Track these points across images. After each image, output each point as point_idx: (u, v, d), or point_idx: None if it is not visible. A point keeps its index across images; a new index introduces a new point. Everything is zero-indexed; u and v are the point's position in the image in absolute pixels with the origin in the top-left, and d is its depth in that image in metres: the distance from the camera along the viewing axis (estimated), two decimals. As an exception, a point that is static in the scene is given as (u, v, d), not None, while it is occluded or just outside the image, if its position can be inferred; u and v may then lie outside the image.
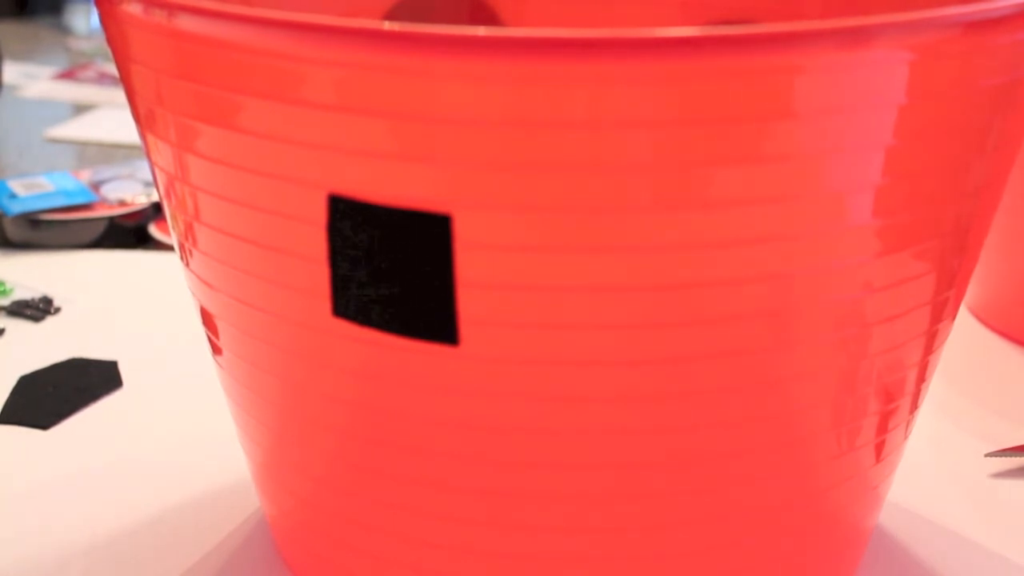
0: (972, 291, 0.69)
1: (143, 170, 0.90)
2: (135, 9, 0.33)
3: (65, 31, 1.59)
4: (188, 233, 0.37)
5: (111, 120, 1.14)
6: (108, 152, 1.04)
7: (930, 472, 0.52)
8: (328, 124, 0.30)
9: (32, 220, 0.80)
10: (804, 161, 0.30)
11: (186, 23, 0.32)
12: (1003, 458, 0.53)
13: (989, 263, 0.66)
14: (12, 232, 0.80)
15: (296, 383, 0.37)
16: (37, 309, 0.69)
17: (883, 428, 0.38)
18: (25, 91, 1.26)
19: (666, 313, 0.32)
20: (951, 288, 0.37)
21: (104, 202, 0.83)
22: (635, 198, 0.30)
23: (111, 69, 1.32)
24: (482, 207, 0.30)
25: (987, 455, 0.53)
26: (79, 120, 1.15)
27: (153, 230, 0.82)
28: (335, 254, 0.32)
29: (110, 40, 0.37)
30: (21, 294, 0.71)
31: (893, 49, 0.29)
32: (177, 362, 0.63)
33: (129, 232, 0.82)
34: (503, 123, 0.29)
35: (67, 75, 1.33)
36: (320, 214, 0.32)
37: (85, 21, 1.59)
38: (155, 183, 0.39)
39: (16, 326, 0.68)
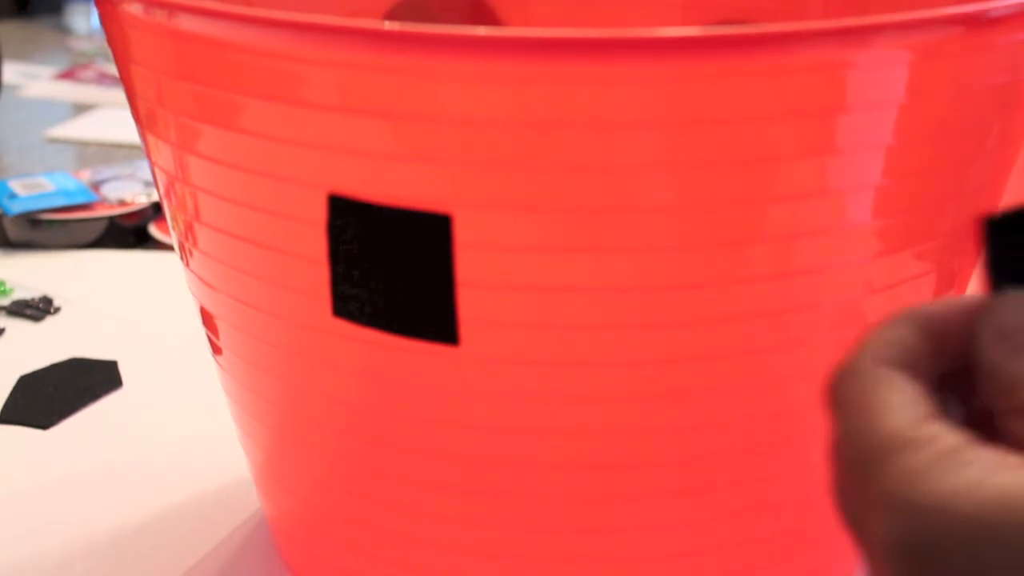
0: (972, 291, 0.69)
1: (143, 170, 0.90)
2: (136, 9, 0.33)
3: (65, 31, 1.59)
4: (188, 233, 0.37)
5: (111, 120, 1.14)
6: (108, 152, 1.04)
7: (930, 472, 0.52)
8: (328, 124, 0.30)
9: (32, 220, 0.80)
10: (804, 161, 0.30)
11: (186, 23, 0.32)
12: (1003, 458, 0.53)
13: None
14: (12, 232, 0.80)
15: (296, 383, 0.37)
16: (37, 309, 0.69)
17: (883, 428, 0.38)
18: (25, 91, 1.26)
19: (666, 313, 0.32)
20: (951, 288, 0.37)
21: (104, 202, 0.83)
22: (635, 198, 0.30)
23: (111, 69, 1.32)
24: (482, 207, 0.30)
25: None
26: (79, 120, 1.15)
27: (153, 230, 0.82)
28: (335, 254, 0.32)
29: (111, 41, 0.37)
30: (21, 294, 0.71)
31: (893, 49, 0.29)
32: (177, 362, 0.63)
33: (129, 232, 0.82)
34: (503, 123, 0.29)
35: (67, 75, 1.33)
36: (320, 214, 0.32)
37: (85, 21, 1.59)
38: (155, 183, 0.39)
39: (16, 326, 0.68)
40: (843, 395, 0.26)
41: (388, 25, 0.28)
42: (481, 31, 0.27)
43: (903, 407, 0.25)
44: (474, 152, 0.29)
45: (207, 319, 0.40)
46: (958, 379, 0.27)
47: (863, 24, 0.28)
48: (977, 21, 0.30)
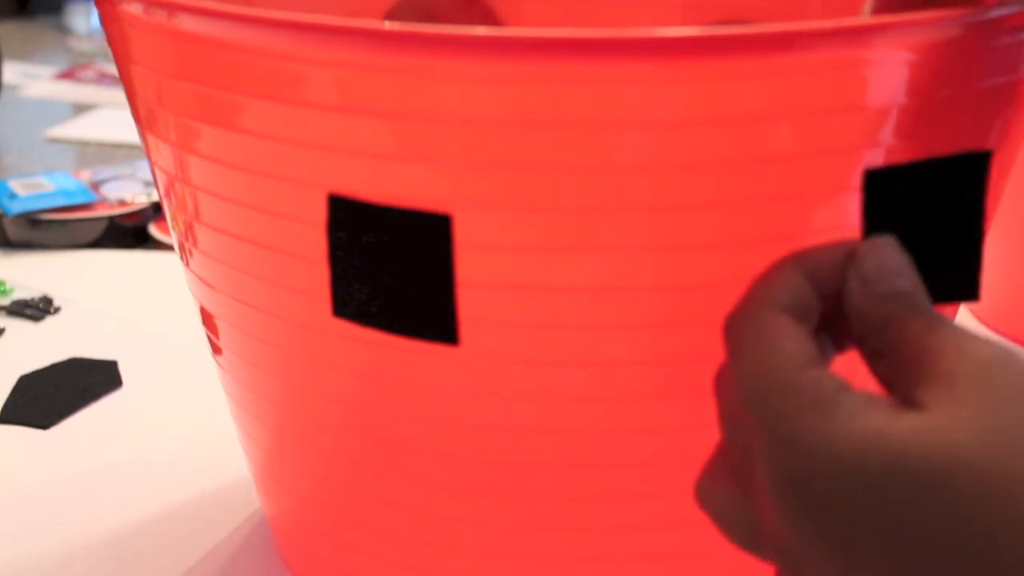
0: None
1: (143, 170, 0.90)
2: (135, 9, 0.33)
3: (65, 31, 1.59)
4: (188, 233, 0.37)
5: (111, 120, 1.14)
6: (108, 152, 1.04)
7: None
8: (328, 124, 0.30)
9: (32, 220, 0.80)
10: (804, 161, 0.30)
11: (186, 23, 0.32)
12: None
13: (989, 263, 0.65)
14: (12, 232, 0.80)
15: (296, 383, 0.37)
16: (37, 309, 0.69)
17: (883, 428, 0.38)
18: (25, 91, 1.26)
19: (668, 313, 0.32)
20: (951, 288, 0.37)
21: (104, 202, 0.83)
22: (635, 198, 0.30)
23: (111, 69, 1.32)
24: (482, 207, 0.30)
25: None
26: (79, 120, 1.15)
27: (153, 230, 0.82)
28: (335, 254, 0.32)
29: (110, 41, 0.37)
30: (21, 294, 0.71)
31: (893, 49, 0.29)
32: (177, 362, 0.63)
33: (129, 232, 0.82)
34: (503, 123, 0.29)
35: (67, 75, 1.33)
36: (320, 214, 0.32)
37: (85, 21, 1.59)
38: (155, 183, 0.39)
39: (16, 326, 0.68)
40: (737, 337, 0.28)
41: (388, 25, 0.28)
42: (481, 31, 0.27)
43: (790, 352, 0.27)
44: (474, 152, 0.29)
45: (207, 319, 0.40)
46: (832, 319, 0.29)
47: (863, 24, 0.28)
48: (977, 21, 0.30)
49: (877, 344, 0.27)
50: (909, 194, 0.30)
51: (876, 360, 0.28)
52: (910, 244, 0.28)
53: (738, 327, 0.28)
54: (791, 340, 0.27)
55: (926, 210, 0.30)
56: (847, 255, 0.28)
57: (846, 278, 0.28)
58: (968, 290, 0.31)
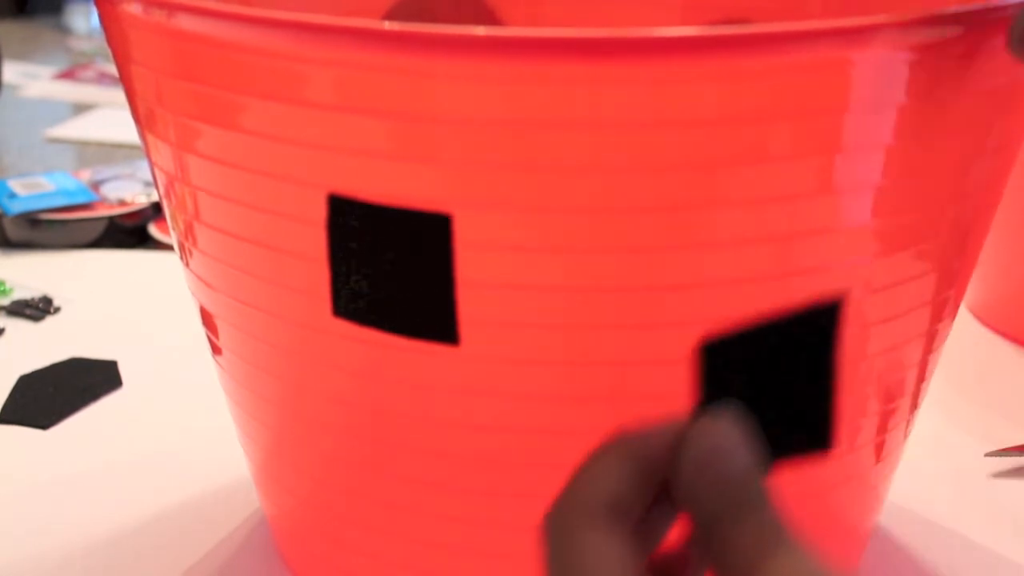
0: (972, 291, 0.69)
1: (143, 170, 0.90)
2: (135, 9, 0.33)
3: (65, 31, 1.59)
4: (188, 233, 0.37)
5: (111, 120, 1.14)
6: (108, 152, 1.04)
7: (930, 472, 0.52)
8: (328, 124, 0.30)
9: (32, 220, 0.80)
10: (804, 161, 0.30)
11: (185, 23, 0.31)
12: (1003, 458, 0.53)
13: (989, 263, 0.66)
14: (12, 232, 0.80)
15: (296, 383, 0.37)
16: (37, 309, 0.69)
17: (883, 428, 0.38)
18: (25, 91, 1.26)
19: (666, 313, 0.32)
20: (951, 288, 0.37)
21: (104, 202, 0.83)
22: (635, 198, 0.30)
23: (111, 69, 1.32)
24: (482, 207, 0.30)
25: (987, 455, 0.53)
26: (79, 120, 1.15)
27: (153, 230, 0.82)
28: (335, 254, 0.32)
29: (110, 40, 0.37)
30: (21, 294, 0.71)
31: (893, 49, 0.29)
32: (177, 362, 0.63)
33: (129, 232, 0.82)
34: (503, 123, 0.29)
35: (67, 75, 1.33)
36: (320, 214, 0.32)
37: (85, 21, 1.59)
38: (155, 183, 0.39)
39: (16, 326, 0.68)
40: (550, 549, 0.26)
41: (388, 25, 0.28)
42: (480, 31, 0.27)
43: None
44: (474, 152, 0.29)
45: (207, 319, 0.40)
46: (664, 496, 0.26)
47: (863, 24, 0.28)
48: (977, 21, 0.30)
49: (706, 540, 0.25)
50: (749, 360, 0.27)
51: (705, 555, 0.25)
52: (752, 406, 0.26)
53: (551, 536, 0.26)
54: (606, 561, 0.25)
55: (769, 372, 0.27)
56: (677, 437, 0.26)
57: (676, 463, 0.25)
58: (819, 442, 0.28)
